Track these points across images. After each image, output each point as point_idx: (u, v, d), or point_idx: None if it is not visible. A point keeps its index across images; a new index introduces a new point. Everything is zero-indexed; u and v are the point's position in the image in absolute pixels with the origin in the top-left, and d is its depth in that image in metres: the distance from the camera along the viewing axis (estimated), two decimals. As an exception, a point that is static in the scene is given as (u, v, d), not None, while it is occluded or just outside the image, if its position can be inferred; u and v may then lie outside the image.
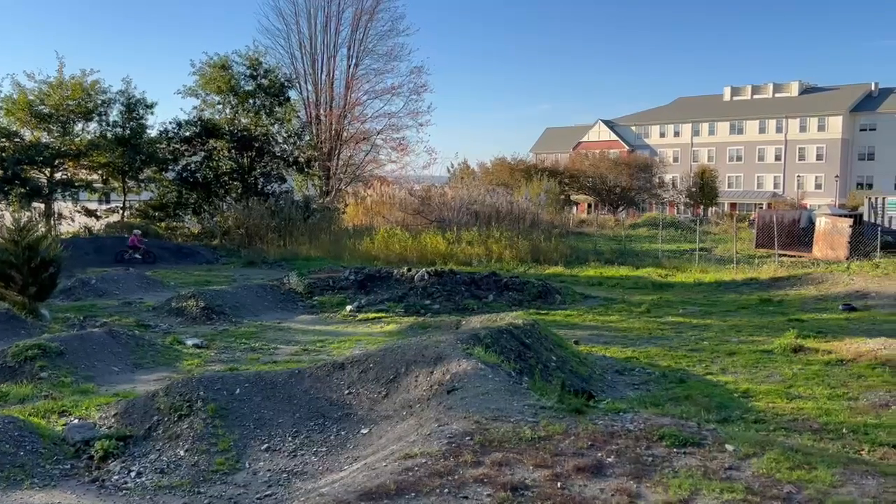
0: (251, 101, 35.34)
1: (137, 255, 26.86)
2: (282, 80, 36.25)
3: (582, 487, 4.80)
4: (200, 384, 8.03)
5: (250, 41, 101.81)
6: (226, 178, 35.17)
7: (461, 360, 8.28)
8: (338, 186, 40.00)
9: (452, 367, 8.10)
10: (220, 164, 35.21)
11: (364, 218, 35.84)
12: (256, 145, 34.75)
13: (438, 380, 7.96)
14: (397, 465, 5.26)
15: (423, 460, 5.30)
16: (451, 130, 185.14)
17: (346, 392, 8.36)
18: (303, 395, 8.27)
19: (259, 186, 35.01)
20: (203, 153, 34.79)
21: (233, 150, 34.76)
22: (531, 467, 5.12)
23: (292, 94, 37.95)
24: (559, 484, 4.84)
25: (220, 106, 35.44)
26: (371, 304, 17.37)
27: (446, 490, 4.78)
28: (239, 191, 34.52)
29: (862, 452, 7.13)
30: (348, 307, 17.11)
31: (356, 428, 7.52)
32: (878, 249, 26.23)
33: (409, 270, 20.27)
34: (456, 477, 4.98)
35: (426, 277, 19.22)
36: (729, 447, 5.47)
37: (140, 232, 29.00)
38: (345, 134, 40.33)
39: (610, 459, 5.25)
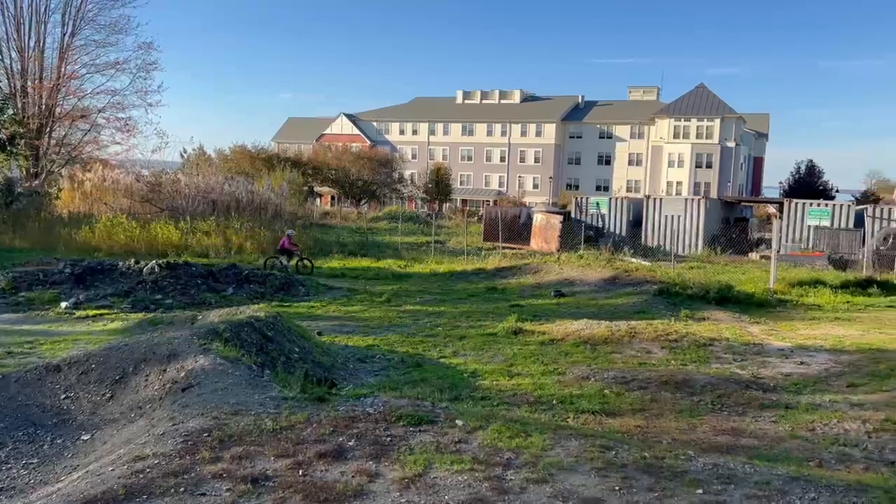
0: (-64, 64, 29.89)
1: (285, 262, 22.10)
2: (-22, 43, 31.15)
3: (324, 472, 4.89)
4: None
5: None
6: None
7: (198, 355, 7.91)
8: (49, 168, 35.43)
9: (188, 364, 7.70)
10: None
11: (83, 205, 32.20)
12: (-56, 117, 29.53)
13: (173, 377, 7.52)
14: (126, 469, 4.89)
15: (156, 461, 5.00)
16: (186, 113, 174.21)
17: (63, 397, 7.55)
18: (8, 402, 7.29)
19: (-53, 165, 29.80)
20: None
21: (-89, 121, 29.14)
22: (273, 458, 5.09)
23: (-9, 60, 32.83)
24: (301, 471, 4.87)
25: None
26: (92, 300, 15.75)
27: (182, 489, 4.57)
28: (-81, 169, 29.07)
29: (568, 420, 8.15)
30: (63, 304, 15.33)
31: (76, 434, 6.83)
32: (583, 243, 30.02)
33: (138, 263, 18.75)
34: (193, 475, 4.77)
35: (157, 270, 17.93)
36: (459, 422, 5.92)
37: (292, 233, 23.61)
38: (58, 110, 35.83)
39: (351, 443, 5.40)
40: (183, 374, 7.51)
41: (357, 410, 6.17)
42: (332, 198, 67.98)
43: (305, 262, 23.44)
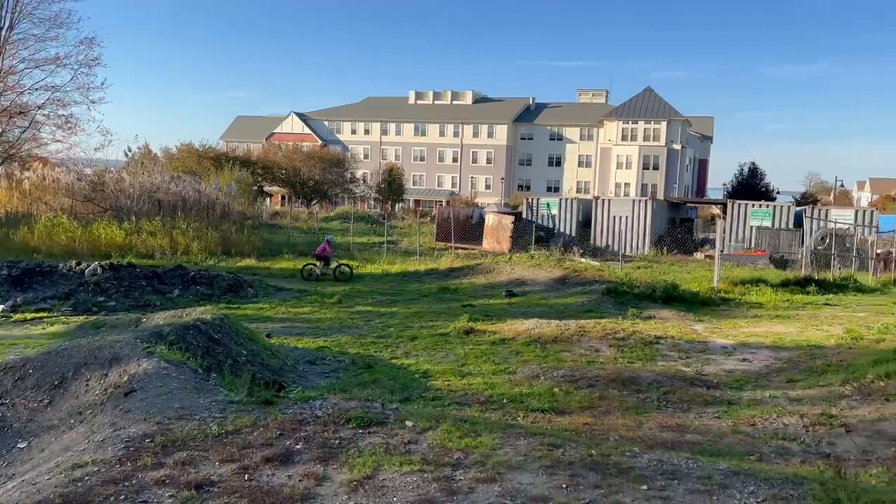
0: None
1: (323, 268, 21.73)
2: None
3: (270, 477, 4.81)
4: None
5: None
6: None
7: (141, 359, 7.71)
8: (-14, 167, 34.11)
9: (131, 368, 7.50)
10: None
11: (21, 204, 31.07)
12: None
13: (115, 382, 7.31)
14: (64, 477, 4.73)
15: (96, 468, 4.85)
16: (131, 111, 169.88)
17: (-2, 403, 7.26)
18: (-62, 411, 6.97)
19: None
20: None
21: None
22: (218, 463, 4.99)
23: (-77, 54, 31.40)
24: (247, 476, 4.79)
25: None
26: (30, 303, 15.24)
27: (122, 496, 4.44)
28: None
29: (518, 418, 8.20)
30: (0, 307, 14.79)
31: (11, 442, 6.59)
32: (533, 243, 30.33)
33: (79, 264, 18.20)
34: (134, 482, 4.65)
35: (99, 272, 17.44)
36: (409, 423, 5.91)
37: (331, 237, 23.22)
38: (-5, 106, 34.51)
39: (299, 446, 5.34)
40: (125, 379, 7.31)
41: (305, 413, 6.10)
42: (283, 198, 67.13)
43: (344, 267, 22.99)
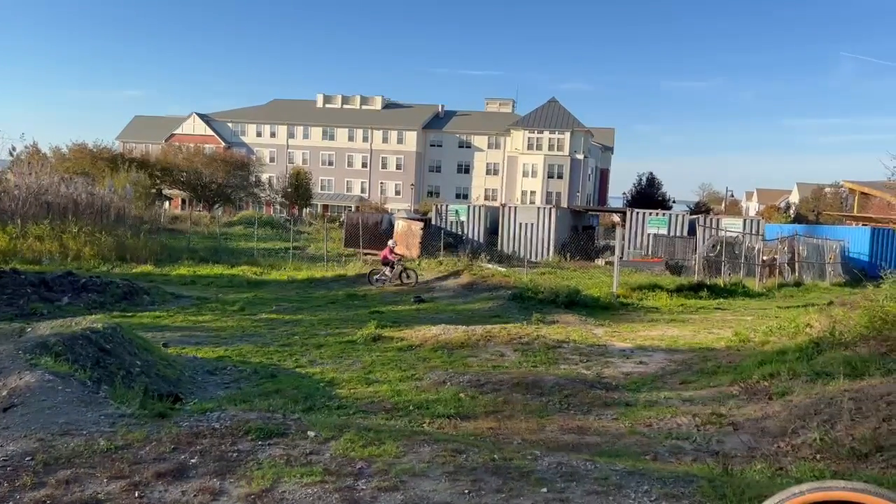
0: None
1: (388, 273, 21.08)
2: None
3: (162, 493, 4.60)
4: None
5: None
6: None
7: (23, 371, 7.22)
8: None
9: (11, 381, 7.02)
10: None
11: None
12: None
13: (-8, 397, 6.81)
14: (-72, 503, 4.36)
15: (-34, 492, 4.50)
16: (17, 108, 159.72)
17: None
18: None
19: None
20: None
21: None
22: (105, 480, 4.72)
23: None
24: (137, 493, 4.56)
25: None
26: None
27: (-4, 522, 4.13)
28: None
29: (424, 425, 8.19)
30: None
31: None
32: (442, 249, 30.52)
33: (-44, 270, 16.90)
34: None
35: (-21, 278, 16.25)
36: (311, 433, 5.78)
37: (394, 243, 22.25)
38: None
39: (194, 460, 5.13)
40: (5, 393, 6.83)
41: (202, 426, 5.87)
42: (183, 201, 64.78)
43: (409, 272, 22.86)
